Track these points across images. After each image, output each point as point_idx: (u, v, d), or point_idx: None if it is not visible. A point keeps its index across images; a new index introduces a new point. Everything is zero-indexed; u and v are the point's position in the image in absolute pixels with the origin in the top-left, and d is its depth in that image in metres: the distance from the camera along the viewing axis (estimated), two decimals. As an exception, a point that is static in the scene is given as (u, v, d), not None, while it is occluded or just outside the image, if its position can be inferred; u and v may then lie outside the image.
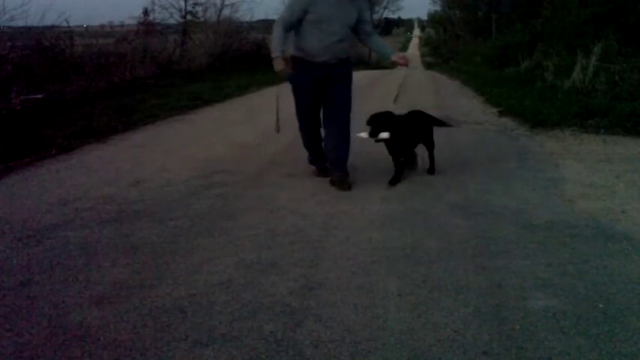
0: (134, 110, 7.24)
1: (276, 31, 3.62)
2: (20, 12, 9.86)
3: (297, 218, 3.17)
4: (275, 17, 3.86)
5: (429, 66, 31.17)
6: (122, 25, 16.64)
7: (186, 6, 17.15)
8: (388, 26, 74.07)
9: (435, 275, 2.39)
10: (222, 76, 12.67)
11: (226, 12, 17.90)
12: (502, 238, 2.82)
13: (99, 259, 2.60)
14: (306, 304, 2.15)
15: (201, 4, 17.58)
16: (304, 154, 4.15)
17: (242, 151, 5.01)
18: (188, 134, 6.03)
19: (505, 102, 7.76)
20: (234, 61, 15.22)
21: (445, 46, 37.37)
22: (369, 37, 3.85)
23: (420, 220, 3.12)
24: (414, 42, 73.15)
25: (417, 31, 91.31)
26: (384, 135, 3.67)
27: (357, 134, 3.76)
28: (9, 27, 8.33)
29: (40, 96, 7.34)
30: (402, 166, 3.93)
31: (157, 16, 16.83)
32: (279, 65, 3.59)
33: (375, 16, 42.42)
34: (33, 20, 9.31)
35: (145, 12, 16.53)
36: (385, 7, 47.09)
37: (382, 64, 24.17)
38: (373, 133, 3.67)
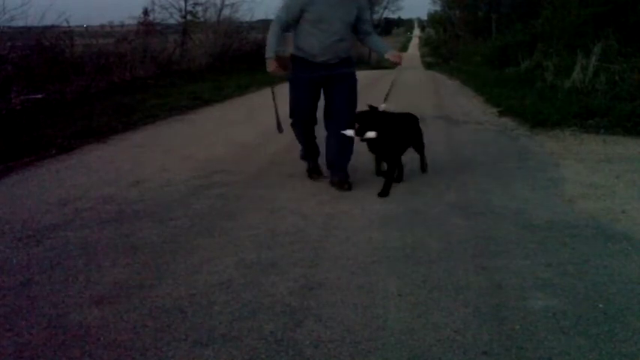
0: (134, 110, 7.25)
1: (272, 31, 3.61)
2: (20, 12, 9.93)
3: (297, 218, 3.17)
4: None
5: (429, 66, 31.10)
6: (122, 25, 16.62)
7: (186, 6, 17.14)
8: (388, 26, 74.08)
9: (435, 275, 2.39)
10: (222, 76, 12.67)
11: (226, 12, 17.90)
12: (502, 238, 2.82)
13: (99, 259, 2.60)
14: (306, 304, 2.15)
15: (201, 4, 17.58)
16: (303, 153, 4.14)
17: (242, 151, 5.01)
18: (188, 134, 6.03)
19: (505, 102, 7.75)
20: (234, 61, 15.22)
21: (445, 46, 37.28)
22: (368, 37, 3.82)
23: (420, 220, 3.12)
24: (414, 42, 73.04)
25: (417, 31, 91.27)
26: (371, 134, 3.50)
27: (342, 132, 3.59)
28: (9, 27, 8.32)
29: (40, 96, 7.34)
30: (392, 177, 3.72)
31: (157, 16, 16.81)
32: (271, 66, 3.59)
33: (375, 16, 42.39)
34: (33, 20, 9.31)
35: (145, 12, 16.52)
36: (385, 7, 47.11)
37: (382, 63, 24.10)
38: (359, 132, 3.51)
